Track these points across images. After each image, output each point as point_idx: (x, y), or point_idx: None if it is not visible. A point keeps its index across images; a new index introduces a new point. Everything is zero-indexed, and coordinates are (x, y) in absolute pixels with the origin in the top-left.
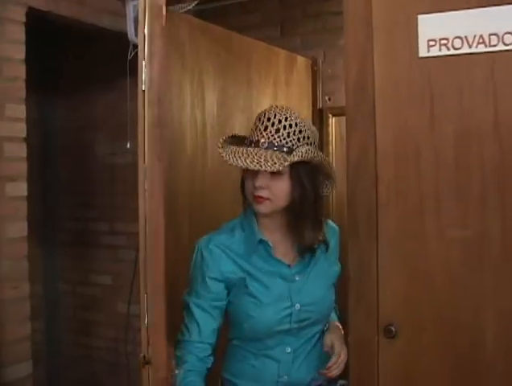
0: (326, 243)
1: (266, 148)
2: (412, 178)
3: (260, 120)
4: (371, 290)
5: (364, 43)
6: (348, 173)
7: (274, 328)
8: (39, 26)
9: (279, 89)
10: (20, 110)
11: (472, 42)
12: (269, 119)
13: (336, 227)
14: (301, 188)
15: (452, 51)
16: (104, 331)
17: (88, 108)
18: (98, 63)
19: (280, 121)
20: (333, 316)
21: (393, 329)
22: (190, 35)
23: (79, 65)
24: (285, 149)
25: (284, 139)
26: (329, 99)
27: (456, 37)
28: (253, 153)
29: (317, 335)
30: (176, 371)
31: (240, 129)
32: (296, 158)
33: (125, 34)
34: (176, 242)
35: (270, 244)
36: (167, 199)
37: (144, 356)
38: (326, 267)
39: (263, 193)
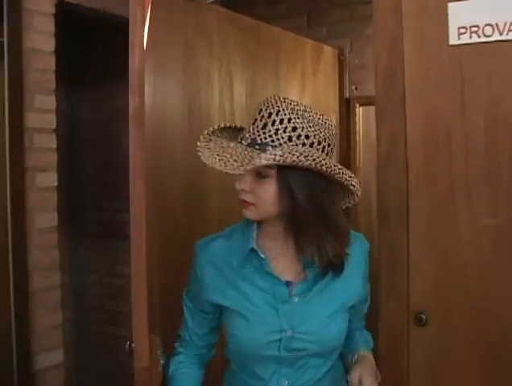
0: (342, 261)
1: (248, 145)
2: (443, 163)
3: (256, 111)
4: (402, 278)
5: (393, 31)
6: (378, 164)
7: (259, 352)
8: (69, 19)
9: (307, 79)
10: (49, 101)
11: (503, 29)
12: (260, 111)
13: (365, 243)
14: (290, 196)
15: (483, 39)
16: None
17: (114, 100)
18: (125, 55)
19: (270, 115)
20: (364, 342)
21: (423, 317)
22: (218, 25)
23: (106, 57)
24: (269, 149)
25: (270, 136)
26: (356, 88)
27: (487, 24)
28: (229, 151)
29: (324, 369)
30: (161, 361)
31: None
32: (264, 162)
33: None
34: None
35: (263, 256)
36: (149, 194)
37: (130, 345)
38: (339, 290)
39: (247, 197)
